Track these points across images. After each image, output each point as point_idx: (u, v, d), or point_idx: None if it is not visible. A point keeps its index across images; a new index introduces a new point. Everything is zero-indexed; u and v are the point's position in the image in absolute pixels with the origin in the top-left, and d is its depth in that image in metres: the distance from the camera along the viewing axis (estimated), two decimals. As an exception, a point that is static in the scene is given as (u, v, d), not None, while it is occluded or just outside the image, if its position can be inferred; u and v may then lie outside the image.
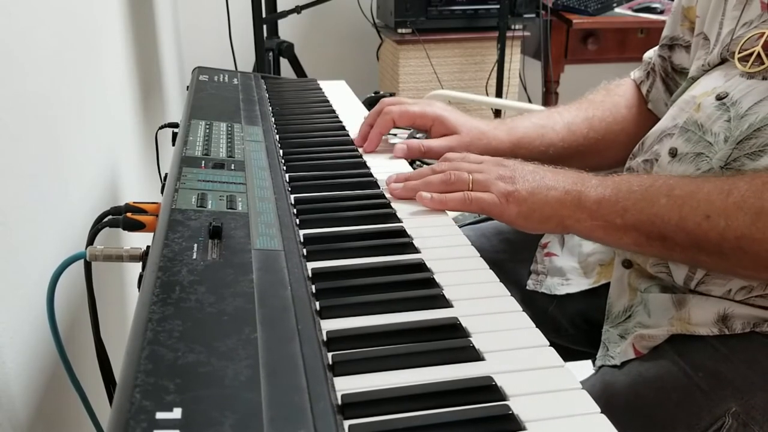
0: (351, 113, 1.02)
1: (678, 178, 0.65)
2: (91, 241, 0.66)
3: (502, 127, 0.89)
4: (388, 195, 0.72)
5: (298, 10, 2.13)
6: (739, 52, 0.69)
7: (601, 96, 0.95)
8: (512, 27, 2.34)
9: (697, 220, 0.59)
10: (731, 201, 0.58)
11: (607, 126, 0.92)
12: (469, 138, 0.86)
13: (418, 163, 0.96)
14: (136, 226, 0.65)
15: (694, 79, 0.78)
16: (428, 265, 0.57)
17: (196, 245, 0.52)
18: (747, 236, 0.57)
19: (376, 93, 1.31)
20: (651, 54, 0.94)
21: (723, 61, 0.73)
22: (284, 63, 2.29)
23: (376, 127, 0.87)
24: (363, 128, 0.90)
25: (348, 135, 0.92)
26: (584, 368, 0.91)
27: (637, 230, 0.63)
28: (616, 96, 0.95)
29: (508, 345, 0.47)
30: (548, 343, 0.48)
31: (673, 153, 0.71)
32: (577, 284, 0.84)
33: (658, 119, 0.91)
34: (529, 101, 2.55)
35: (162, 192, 0.70)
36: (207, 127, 0.82)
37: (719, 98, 0.68)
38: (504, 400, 0.42)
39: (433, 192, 0.70)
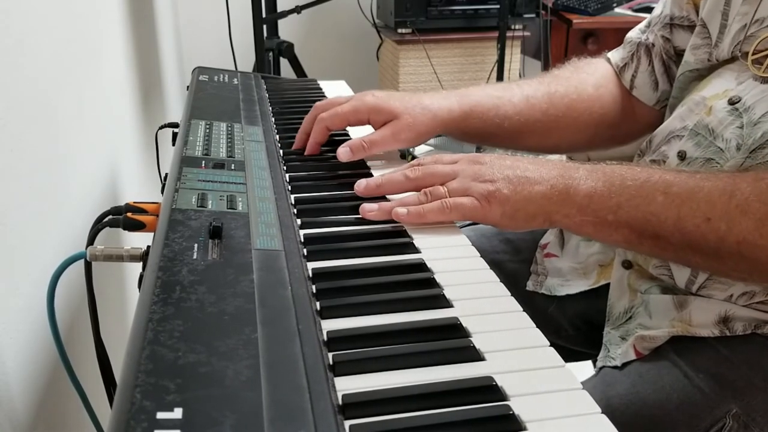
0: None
1: (675, 174, 0.62)
2: (91, 241, 0.66)
3: (452, 97, 0.81)
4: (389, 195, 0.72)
5: (298, 10, 2.13)
6: (752, 54, 0.66)
7: (568, 72, 0.88)
8: (512, 27, 2.34)
9: (696, 222, 0.57)
10: (734, 204, 0.56)
11: (570, 103, 0.85)
12: (411, 117, 0.78)
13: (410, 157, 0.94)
14: (137, 226, 0.65)
15: (699, 72, 0.75)
16: (428, 265, 0.57)
17: (196, 245, 0.52)
18: (749, 241, 0.55)
19: None
20: (637, 34, 0.87)
21: (734, 58, 0.70)
22: (284, 63, 2.29)
23: (312, 137, 0.82)
24: (300, 136, 0.85)
25: (348, 135, 0.92)
26: (584, 369, 0.91)
27: (630, 227, 0.61)
28: (584, 74, 0.88)
29: (509, 345, 0.47)
30: (548, 344, 0.48)
31: (682, 156, 0.69)
32: (577, 285, 0.83)
33: (633, 102, 0.87)
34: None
35: (162, 192, 0.70)
36: (207, 127, 0.82)
37: (732, 102, 0.66)
38: (504, 400, 0.42)
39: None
